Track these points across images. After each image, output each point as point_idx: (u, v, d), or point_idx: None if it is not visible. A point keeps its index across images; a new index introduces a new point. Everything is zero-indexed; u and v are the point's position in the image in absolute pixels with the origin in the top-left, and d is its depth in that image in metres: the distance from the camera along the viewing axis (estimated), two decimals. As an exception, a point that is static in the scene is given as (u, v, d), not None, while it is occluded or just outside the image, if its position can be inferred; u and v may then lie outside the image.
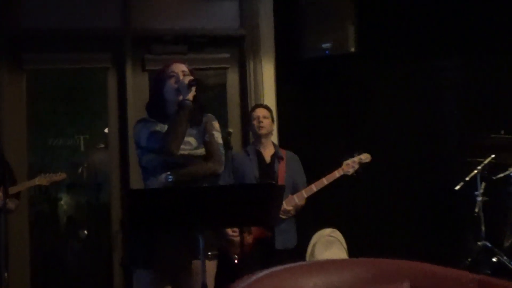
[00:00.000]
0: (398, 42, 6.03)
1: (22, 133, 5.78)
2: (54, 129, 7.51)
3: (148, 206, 2.91)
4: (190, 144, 3.50)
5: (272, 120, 5.14)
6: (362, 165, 4.99)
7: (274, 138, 5.48)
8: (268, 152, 5.07)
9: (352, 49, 5.84)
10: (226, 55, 6.16)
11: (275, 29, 6.04)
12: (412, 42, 6.03)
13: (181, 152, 3.44)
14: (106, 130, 6.19)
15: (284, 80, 6.03)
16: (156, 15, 5.98)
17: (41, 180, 5.31)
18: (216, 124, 3.63)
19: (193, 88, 3.48)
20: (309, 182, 4.98)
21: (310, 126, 6.08)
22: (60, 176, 5.43)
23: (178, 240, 3.36)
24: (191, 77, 3.52)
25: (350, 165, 4.97)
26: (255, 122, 5.07)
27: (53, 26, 5.76)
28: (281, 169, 5.00)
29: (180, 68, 3.59)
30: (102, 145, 6.95)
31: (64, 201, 7.41)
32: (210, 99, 6.22)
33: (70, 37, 5.85)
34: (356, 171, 4.98)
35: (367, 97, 6.16)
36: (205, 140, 3.54)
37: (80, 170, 7.37)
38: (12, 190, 5.09)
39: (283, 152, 5.10)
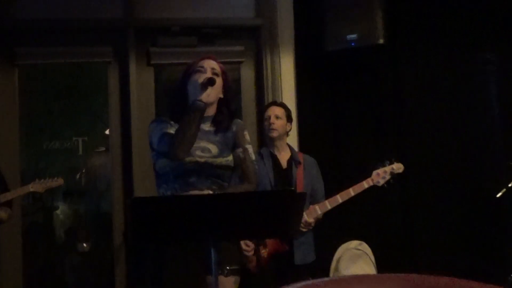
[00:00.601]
0: (432, 32, 6.00)
1: (14, 135, 5.81)
2: (49, 131, 7.54)
3: (154, 216, 2.89)
4: (209, 151, 3.50)
5: (289, 120, 5.09)
6: (394, 175, 4.94)
7: (294, 140, 5.46)
8: (284, 156, 5.04)
9: (381, 41, 5.81)
10: (240, 48, 6.16)
11: (294, 19, 6.03)
12: (448, 32, 5.99)
13: (197, 159, 3.45)
14: (107, 132, 6.22)
15: (305, 75, 6.02)
16: (162, 3, 6.00)
17: (36, 186, 5.33)
18: (247, 135, 3.64)
19: (209, 89, 3.48)
20: (332, 191, 4.93)
21: (333, 127, 6.06)
22: (57, 182, 5.45)
23: (189, 254, 3.36)
24: (209, 76, 3.52)
25: (380, 175, 4.90)
26: (266, 123, 5.06)
27: (49, 17, 5.78)
28: (299, 175, 4.96)
29: (210, 65, 3.60)
30: (103, 148, 6.99)
31: (61, 210, 7.44)
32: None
33: (67, 28, 5.88)
34: (387, 182, 4.92)
35: (398, 95, 6.12)
36: (238, 156, 3.55)
37: (78, 175, 7.40)
38: (4, 197, 5.14)
39: (300, 156, 5.08)
